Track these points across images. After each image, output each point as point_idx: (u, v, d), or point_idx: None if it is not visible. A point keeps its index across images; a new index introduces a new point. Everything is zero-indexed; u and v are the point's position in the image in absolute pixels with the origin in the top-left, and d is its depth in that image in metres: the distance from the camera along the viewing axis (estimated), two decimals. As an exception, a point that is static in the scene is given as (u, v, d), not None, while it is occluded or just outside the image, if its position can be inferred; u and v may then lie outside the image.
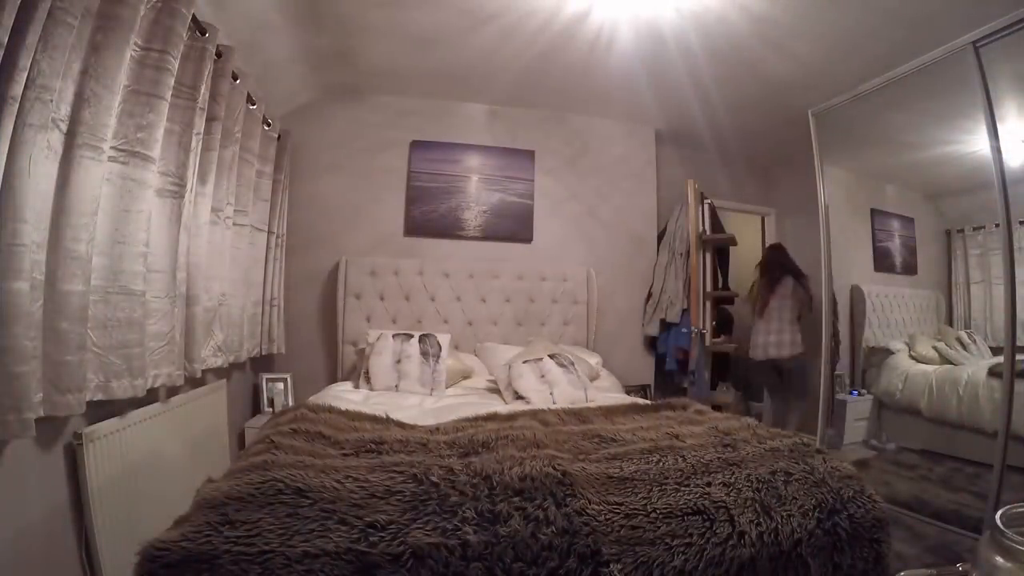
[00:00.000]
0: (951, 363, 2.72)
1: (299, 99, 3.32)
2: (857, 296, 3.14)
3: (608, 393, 2.71)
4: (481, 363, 3.12)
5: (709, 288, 3.77)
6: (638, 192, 3.92)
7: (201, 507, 1.05)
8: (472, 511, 1.09)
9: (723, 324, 3.92)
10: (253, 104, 2.56)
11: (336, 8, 2.52)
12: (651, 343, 3.85)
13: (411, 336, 2.85)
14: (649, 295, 3.84)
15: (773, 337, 3.55)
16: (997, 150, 2.11)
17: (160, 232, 1.81)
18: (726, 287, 4.00)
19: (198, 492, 1.13)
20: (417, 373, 2.66)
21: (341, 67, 3.12)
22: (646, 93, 3.33)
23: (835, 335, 3.09)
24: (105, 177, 1.49)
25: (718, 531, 1.15)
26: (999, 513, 1.10)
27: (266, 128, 2.82)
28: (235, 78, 2.31)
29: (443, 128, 3.59)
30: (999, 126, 2.12)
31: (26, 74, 1.16)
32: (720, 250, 3.98)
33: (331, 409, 1.81)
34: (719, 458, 1.43)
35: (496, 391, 2.62)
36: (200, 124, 1.96)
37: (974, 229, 2.74)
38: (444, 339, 2.88)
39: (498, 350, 3.12)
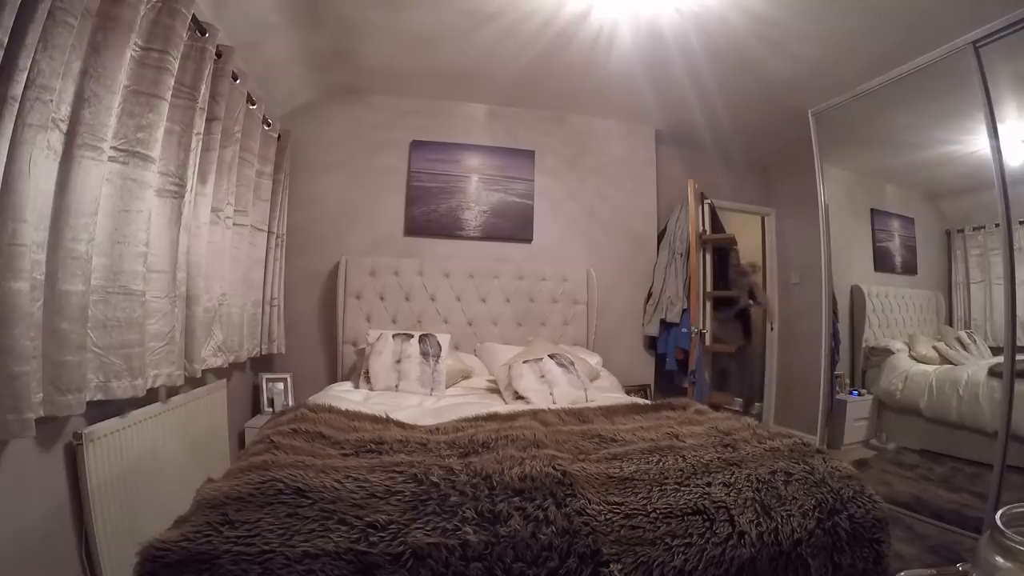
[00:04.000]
0: (951, 363, 2.72)
1: (299, 99, 3.32)
2: (857, 296, 3.14)
3: (608, 393, 2.71)
4: (481, 363, 3.12)
5: (709, 288, 3.77)
6: (638, 192, 3.93)
7: (201, 507, 1.05)
8: (472, 511, 1.09)
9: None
10: (253, 104, 2.56)
11: (336, 8, 2.52)
12: (651, 343, 3.85)
13: (411, 336, 2.85)
14: (649, 295, 3.85)
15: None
16: (997, 150, 2.12)
17: (160, 232, 1.81)
18: (726, 287, 4.00)
19: (198, 492, 1.13)
20: (417, 373, 2.66)
21: (341, 67, 3.12)
22: (646, 93, 3.33)
23: (835, 335, 3.09)
24: (105, 177, 1.49)
25: (718, 531, 1.15)
26: (999, 513, 1.10)
27: (266, 128, 2.82)
28: (235, 78, 2.31)
29: (443, 128, 3.59)
30: (999, 126, 2.12)
31: (26, 74, 1.16)
32: (720, 250, 3.98)
33: (331, 409, 1.81)
34: (719, 458, 1.43)
35: (496, 391, 2.62)
36: (200, 124, 1.96)
37: (974, 229, 2.74)
38: (444, 339, 2.88)
39: (498, 350, 3.12)
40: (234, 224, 2.47)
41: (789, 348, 4.30)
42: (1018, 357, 2.06)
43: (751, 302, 3.88)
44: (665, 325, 3.68)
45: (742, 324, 3.90)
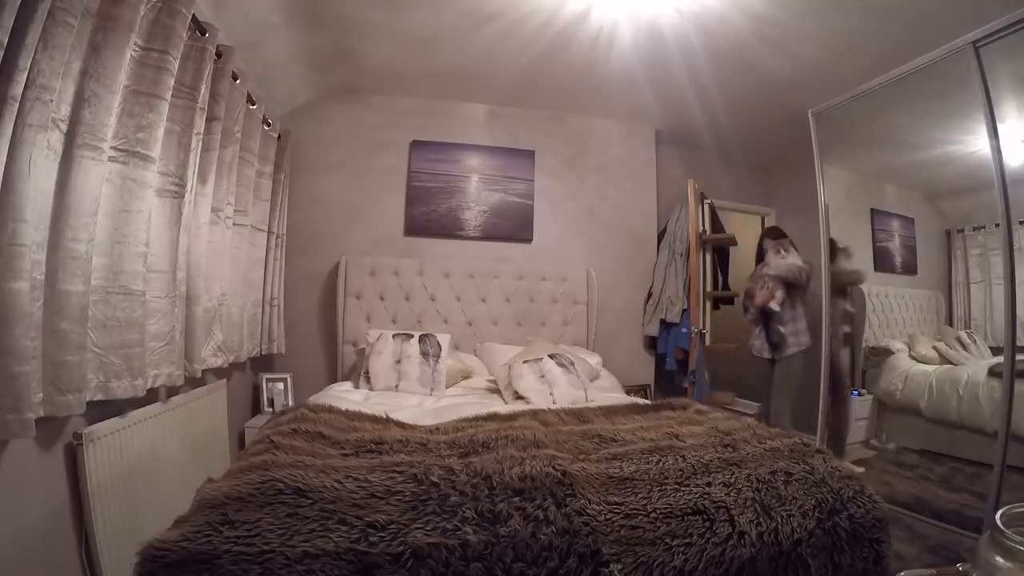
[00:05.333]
0: (951, 363, 2.72)
1: (299, 99, 3.32)
2: (857, 296, 3.14)
3: (608, 393, 2.71)
4: (481, 363, 3.12)
5: (709, 288, 3.77)
6: (638, 192, 3.93)
7: (201, 507, 1.05)
8: (472, 511, 1.09)
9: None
10: (253, 104, 2.56)
11: (336, 8, 2.52)
12: (651, 343, 3.85)
13: (411, 336, 2.86)
14: (649, 295, 3.85)
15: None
16: (997, 150, 2.11)
17: (160, 232, 1.81)
18: (726, 287, 4.00)
19: (198, 492, 1.13)
20: (417, 373, 2.66)
21: (341, 67, 3.12)
22: (646, 93, 3.33)
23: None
24: (105, 177, 1.49)
25: (718, 531, 1.15)
26: (999, 513, 1.10)
27: (266, 128, 2.82)
28: (235, 78, 2.31)
29: (443, 128, 3.59)
30: (999, 126, 2.12)
31: (26, 74, 1.16)
32: (720, 250, 3.98)
33: (331, 409, 1.81)
34: (719, 458, 1.43)
35: (496, 391, 2.62)
36: (200, 124, 1.96)
37: (974, 229, 2.74)
38: (444, 339, 2.88)
39: (498, 350, 3.12)
40: (234, 224, 2.47)
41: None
42: (1018, 357, 2.06)
43: (773, 307, 3.00)
44: (665, 325, 3.69)
45: (765, 331, 3.10)
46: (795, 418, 3.02)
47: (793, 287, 3.05)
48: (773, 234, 3.32)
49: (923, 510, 2.39)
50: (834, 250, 3.04)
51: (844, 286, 3.04)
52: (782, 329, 3.02)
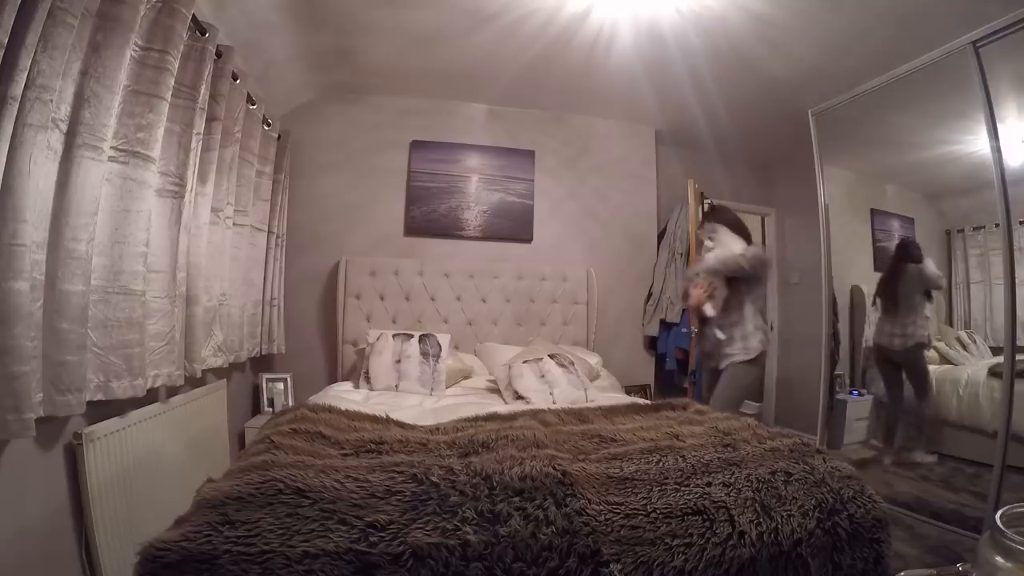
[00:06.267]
0: (951, 363, 2.72)
1: (299, 99, 3.32)
2: (857, 296, 3.14)
3: (608, 393, 2.71)
4: (481, 363, 3.13)
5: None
6: (638, 192, 3.93)
7: (201, 507, 1.05)
8: (472, 511, 1.09)
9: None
10: (253, 104, 2.56)
11: (336, 8, 2.52)
12: (651, 343, 3.85)
13: (411, 336, 2.86)
14: (649, 295, 3.85)
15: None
16: (997, 150, 2.12)
17: (160, 232, 1.82)
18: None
19: (198, 492, 1.13)
20: (417, 373, 2.66)
21: (341, 67, 3.13)
22: (646, 93, 3.33)
23: (835, 335, 3.09)
24: (105, 177, 1.49)
25: (718, 531, 1.15)
26: (999, 513, 1.10)
27: (266, 128, 2.82)
28: (235, 78, 2.31)
29: (443, 128, 3.60)
30: (999, 126, 2.12)
31: (26, 74, 1.16)
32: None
33: (331, 409, 1.81)
34: (719, 458, 1.43)
35: (496, 391, 2.62)
36: (200, 124, 1.96)
37: (974, 229, 2.74)
38: (444, 339, 2.88)
39: (498, 350, 3.12)
40: (234, 224, 2.47)
41: (789, 348, 4.31)
42: (1018, 357, 2.06)
43: (707, 312, 2.49)
44: (665, 325, 3.69)
45: (699, 336, 2.71)
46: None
47: (737, 281, 2.45)
48: (705, 220, 2.75)
49: (923, 510, 2.39)
50: (918, 253, 2.87)
51: (928, 289, 2.85)
52: (719, 335, 2.47)
